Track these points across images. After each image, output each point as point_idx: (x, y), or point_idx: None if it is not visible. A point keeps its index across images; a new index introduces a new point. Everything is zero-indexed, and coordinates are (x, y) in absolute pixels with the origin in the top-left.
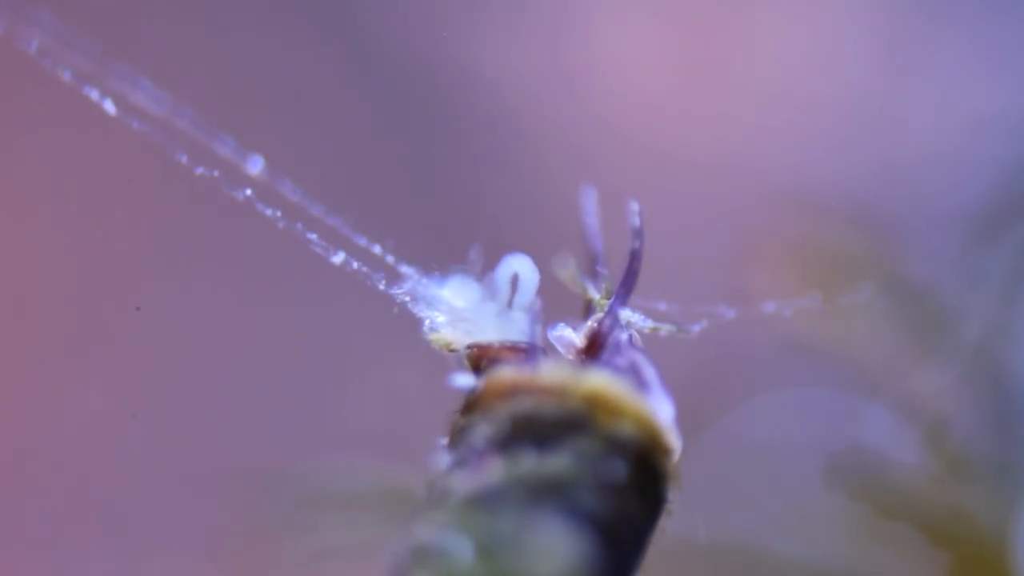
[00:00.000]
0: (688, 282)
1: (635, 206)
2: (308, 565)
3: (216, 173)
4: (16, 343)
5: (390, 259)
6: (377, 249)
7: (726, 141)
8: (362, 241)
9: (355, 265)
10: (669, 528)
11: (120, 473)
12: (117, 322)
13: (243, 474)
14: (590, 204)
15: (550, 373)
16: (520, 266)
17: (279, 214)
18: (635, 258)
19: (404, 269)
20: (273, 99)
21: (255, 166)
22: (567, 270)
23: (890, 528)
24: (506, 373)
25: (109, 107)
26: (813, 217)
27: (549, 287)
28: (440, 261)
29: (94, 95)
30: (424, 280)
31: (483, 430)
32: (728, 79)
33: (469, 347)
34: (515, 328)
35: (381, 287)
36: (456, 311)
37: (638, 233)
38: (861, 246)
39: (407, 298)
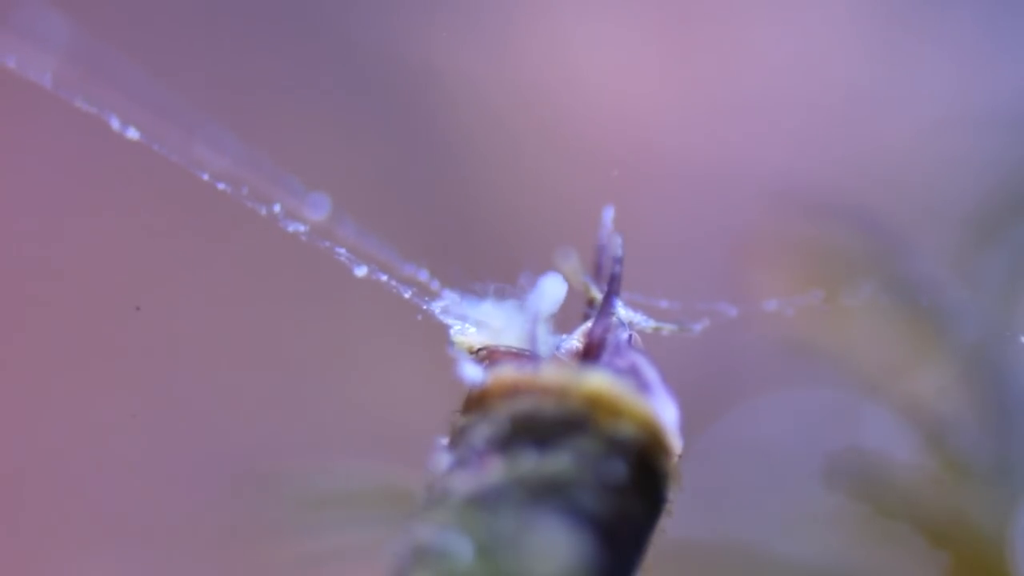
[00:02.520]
0: (688, 283)
1: (618, 239)
2: (308, 565)
3: (222, 185)
4: (17, 343)
5: (424, 277)
6: (413, 270)
7: (723, 142)
8: (392, 257)
9: (384, 278)
10: (669, 528)
11: (120, 473)
12: (117, 322)
13: (243, 474)
14: (608, 223)
15: (550, 373)
16: (550, 284)
17: (295, 226)
18: (617, 269)
19: (442, 290)
20: (269, 105)
21: (321, 208)
22: (569, 265)
23: (890, 528)
24: (507, 373)
25: (114, 122)
26: (811, 217)
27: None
28: (437, 263)
29: (95, 111)
30: (460, 299)
31: (483, 430)
32: (724, 80)
33: (479, 349)
34: (533, 338)
35: (407, 297)
36: (488, 325)
37: (619, 260)
38: (860, 246)
39: (442, 314)
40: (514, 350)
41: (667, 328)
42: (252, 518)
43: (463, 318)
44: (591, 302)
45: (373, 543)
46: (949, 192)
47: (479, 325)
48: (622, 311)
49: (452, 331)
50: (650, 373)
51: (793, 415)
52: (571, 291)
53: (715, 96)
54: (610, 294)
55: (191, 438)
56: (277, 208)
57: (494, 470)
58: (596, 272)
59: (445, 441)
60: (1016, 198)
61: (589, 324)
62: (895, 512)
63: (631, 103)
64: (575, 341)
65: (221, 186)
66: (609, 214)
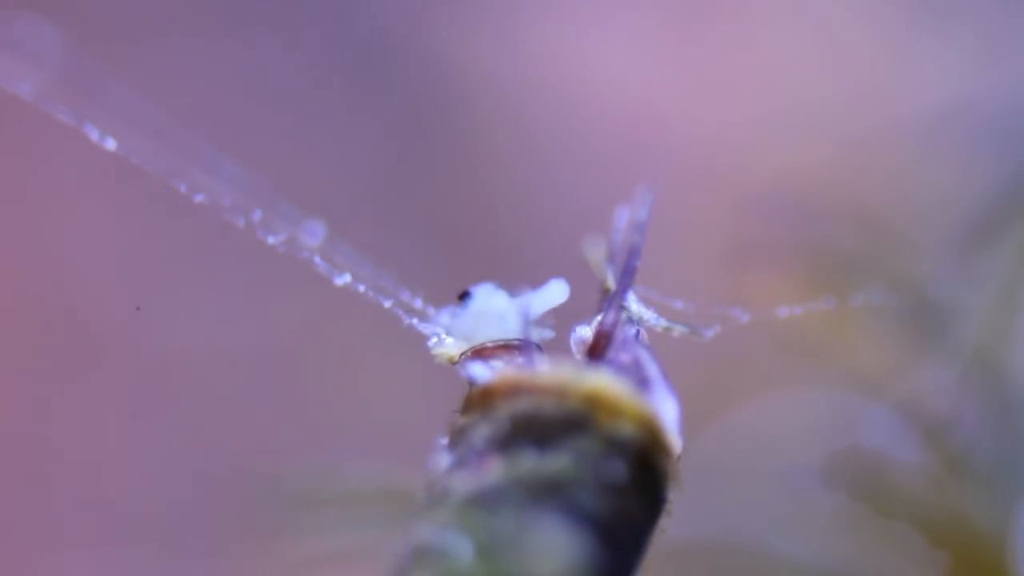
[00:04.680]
0: (688, 283)
1: (645, 198)
2: (308, 566)
3: (226, 198)
4: (17, 344)
5: (407, 295)
6: (402, 290)
7: (724, 141)
8: (375, 270)
9: (361, 288)
10: (669, 528)
11: (120, 473)
12: (117, 322)
13: (243, 475)
14: (642, 206)
15: (550, 373)
16: (554, 287)
17: (283, 235)
18: (632, 264)
19: (423, 305)
20: (273, 102)
21: (316, 234)
22: (595, 253)
23: (890, 528)
24: (506, 372)
25: (109, 143)
26: (812, 217)
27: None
28: (441, 260)
29: (94, 133)
30: (440, 311)
31: (483, 430)
32: (739, 72)
33: (463, 353)
34: (526, 333)
35: (388, 305)
36: (467, 333)
37: (640, 228)
38: (861, 246)
39: (421, 325)
40: (503, 343)
41: (678, 329)
42: (252, 519)
43: (441, 328)
44: (606, 292)
45: (373, 543)
46: (950, 191)
47: (457, 334)
48: (634, 306)
49: (430, 342)
50: (653, 369)
51: (793, 415)
52: (593, 281)
53: (729, 89)
54: (622, 288)
55: (191, 438)
56: (273, 233)
57: (494, 470)
58: (613, 263)
59: (445, 441)
60: (1018, 198)
61: (600, 316)
62: (895, 512)
63: (645, 97)
64: (587, 332)
65: (212, 203)
66: (623, 216)
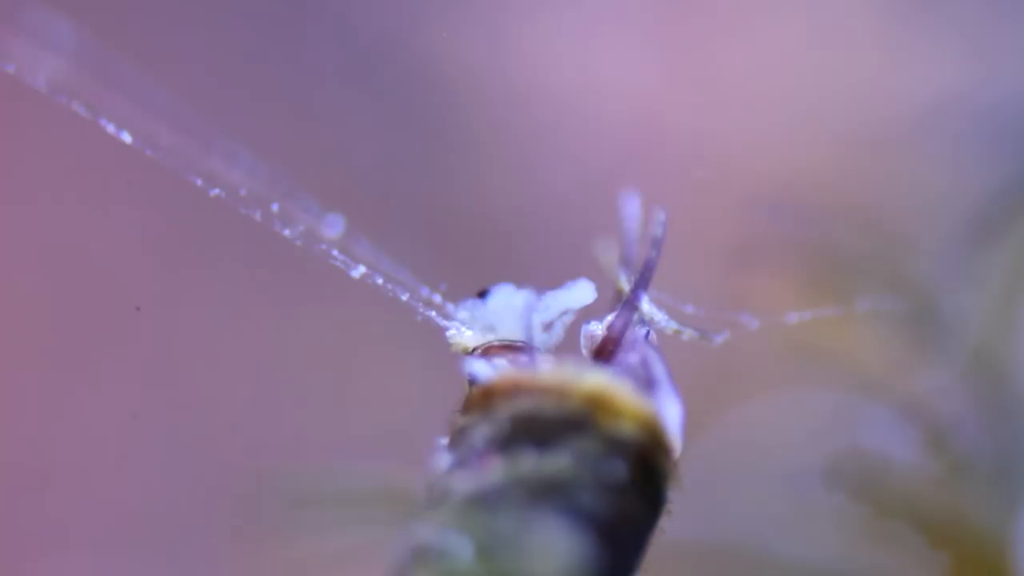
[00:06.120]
0: (690, 285)
1: (661, 216)
2: (309, 566)
3: (224, 190)
4: (17, 343)
5: (426, 290)
6: (412, 276)
7: (723, 140)
8: (391, 262)
9: (379, 280)
10: (669, 528)
11: (120, 473)
12: (117, 323)
13: (244, 475)
14: (631, 209)
15: (551, 373)
16: (580, 287)
17: (296, 229)
18: (649, 266)
19: (435, 295)
20: (270, 99)
21: (335, 227)
22: (607, 256)
23: (890, 528)
24: (507, 372)
25: (125, 136)
26: (812, 219)
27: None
28: (440, 261)
29: (110, 126)
30: (458, 303)
31: (483, 430)
32: (726, 75)
33: (475, 348)
34: (530, 331)
35: (404, 300)
36: (484, 325)
37: (657, 243)
38: (861, 246)
39: (438, 316)
40: (510, 343)
41: (688, 333)
42: (253, 518)
43: (459, 319)
44: (618, 294)
45: (373, 543)
46: (950, 191)
47: (475, 326)
48: (646, 307)
49: (448, 332)
50: (659, 370)
51: (793, 415)
52: (605, 283)
53: (716, 92)
54: (637, 289)
55: (191, 439)
56: (291, 226)
57: (494, 470)
58: (626, 265)
59: (445, 441)
60: (1017, 197)
61: (611, 316)
62: (895, 512)
63: (644, 100)
64: (598, 330)
65: (224, 195)
66: (633, 205)
